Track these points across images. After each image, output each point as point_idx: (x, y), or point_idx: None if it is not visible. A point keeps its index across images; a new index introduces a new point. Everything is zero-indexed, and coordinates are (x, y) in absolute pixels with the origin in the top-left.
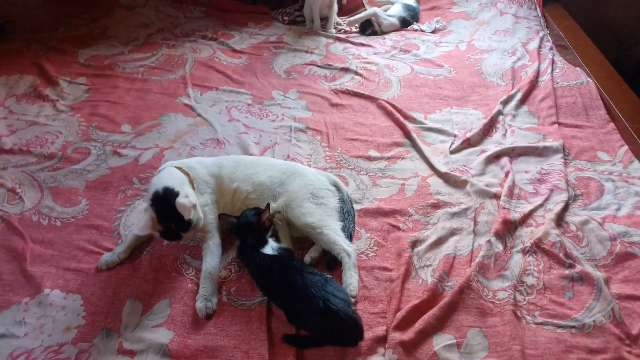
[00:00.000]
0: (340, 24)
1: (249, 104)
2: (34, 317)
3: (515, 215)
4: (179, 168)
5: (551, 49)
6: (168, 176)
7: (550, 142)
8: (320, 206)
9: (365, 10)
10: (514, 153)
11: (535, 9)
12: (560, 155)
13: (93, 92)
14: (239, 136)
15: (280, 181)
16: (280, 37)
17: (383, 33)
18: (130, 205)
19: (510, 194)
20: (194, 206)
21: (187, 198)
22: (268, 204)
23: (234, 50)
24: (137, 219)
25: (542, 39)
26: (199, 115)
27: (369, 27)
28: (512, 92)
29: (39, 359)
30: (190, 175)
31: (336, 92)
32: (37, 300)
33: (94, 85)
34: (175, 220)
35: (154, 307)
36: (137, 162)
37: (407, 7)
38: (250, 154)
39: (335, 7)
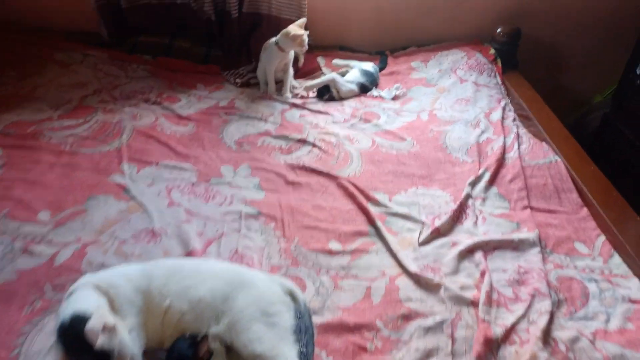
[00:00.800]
0: (297, 87)
1: (193, 183)
2: None
3: (497, 330)
4: (97, 286)
5: (514, 120)
6: (79, 300)
7: (526, 234)
8: (272, 328)
9: (324, 74)
10: (488, 247)
11: (495, 76)
12: (538, 249)
13: (8, 168)
14: (180, 226)
15: (224, 295)
16: (232, 102)
17: (341, 99)
18: (39, 323)
19: (489, 301)
20: (111, 329)
21: (100, 319)
22: (205, 336)
23: (180, 117)
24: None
25: (504, 109)
26: (133, 198)
27: (326, 93)
28: (480, 171)
29: None
30: (110, 294)
31: (292, 167)
32: None
33: (10, 160)
34: (90, 356)
35: None
36: (52, 263)
37: (366, 73)
38: (191, 251)
39: (291, 70)
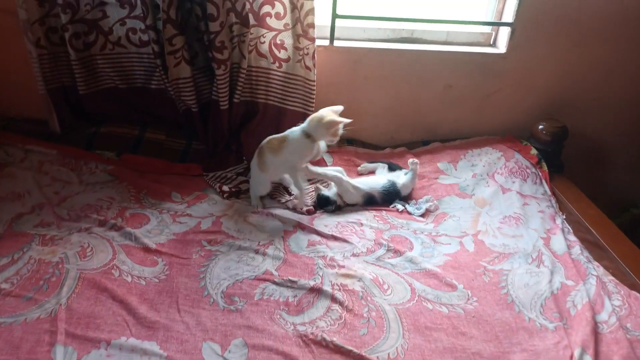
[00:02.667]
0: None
1: None
2: None
3: None
4: None
5: (582, 250)
6: None
7: None
8: None
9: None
10: None
11: (542, 184)
12: None
13: None
14: None
15: None
16: (217, 222)
17: (346, 205)
18: None
19: None
20: None
21: None
22: None
23: (147, 250)
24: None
25: (563, 231)
26: None
27: (329, 203)
28: (575, 354)
29: None
30: None
31: (306, 342)
32: None
33: None
34: None
35: None
36: None
37: (390, 182)
38: None
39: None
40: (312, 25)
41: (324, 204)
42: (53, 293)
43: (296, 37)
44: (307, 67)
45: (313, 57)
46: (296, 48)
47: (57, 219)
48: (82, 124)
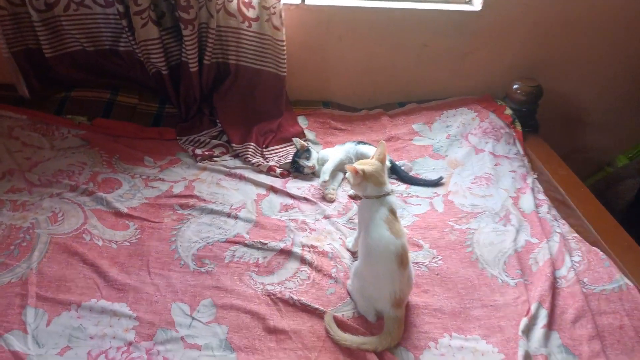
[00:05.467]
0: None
1: (131, 343)
2: None
3: None
4: None
5: (549, 209)
6: None
7: None
8: None
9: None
10: None
11: (515, 144)
12: None
13: None
14: None
15: None
16: (190, 186)
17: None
18: None
19: None
20: None
21: None
22: None
23: (118, 214)
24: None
25: (533, 190)
26: None
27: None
28: (532, 308)
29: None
30: None
31: (274, 300)
32: None
33: None
34: None
35: None
36: None
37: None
38: None
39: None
40: None
41: (298, 167)
42: (24, 258)
43: None
44: (276, 27)
45: (280, 16)
46: (263, 7)
47: (29, 185)
48: (52, 88)
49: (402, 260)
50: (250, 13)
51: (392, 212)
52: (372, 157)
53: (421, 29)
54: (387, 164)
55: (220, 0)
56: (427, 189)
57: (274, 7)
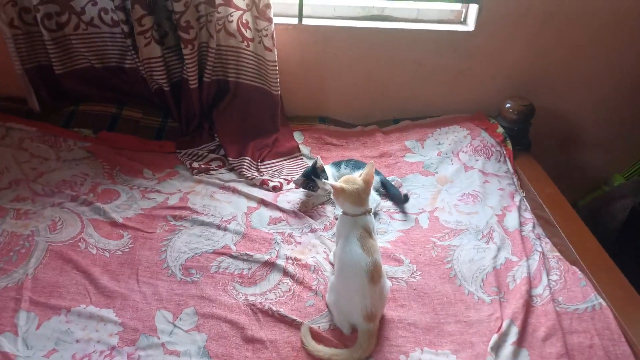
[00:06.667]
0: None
1: (114, 347)
2: None
3: None
4: None
5: (534, 227)
6: None
7: None
8: None
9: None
10: None
11: (506, 162)
12: None
13: None
14: None
15: None
16: (184, 198)
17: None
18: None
19: None
20: None
21: None
22: None
23: (114, 224)
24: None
25: (519, 208)
26: None
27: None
28: (504, 325)
29: None
30: None
31: (254, 310)
32: None
33: None
34: None
35: None
36: None
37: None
38: None
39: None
40: (268, 6)
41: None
42: (21, 264)
43: (253, 19)
44: (267, 48)
45: (272, 37)
46: (256, 29)
47: (32, 194)
48: (61, 102)
49: (372, 276)
50: (248, 34)
51: (367, 230)
52: (360, 176)
53: (416, 48)
54: (377, 180)
55: (220, 21)
56: (414, 206)
57: (266, 30)
